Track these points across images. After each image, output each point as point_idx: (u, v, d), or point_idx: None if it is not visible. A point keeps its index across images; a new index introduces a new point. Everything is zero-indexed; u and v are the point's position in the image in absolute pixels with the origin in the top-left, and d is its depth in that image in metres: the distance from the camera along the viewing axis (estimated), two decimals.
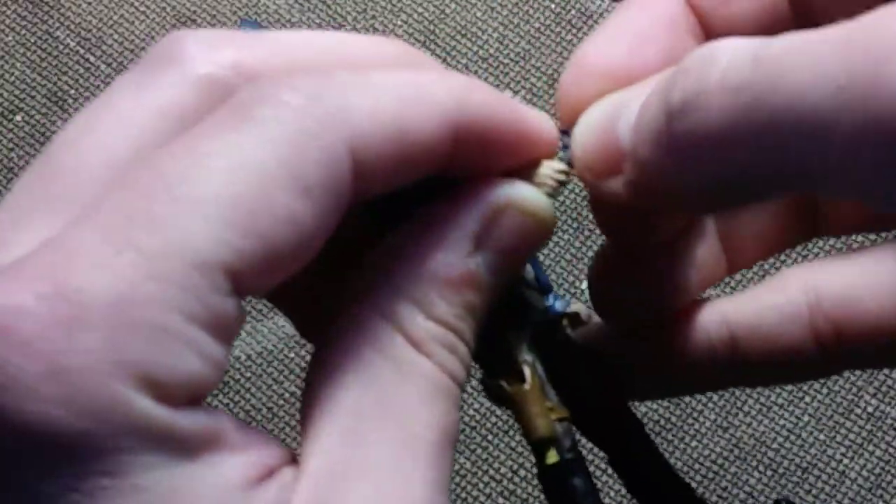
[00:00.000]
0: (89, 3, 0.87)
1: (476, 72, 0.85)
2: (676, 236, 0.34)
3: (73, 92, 0.84)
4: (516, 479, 0.74)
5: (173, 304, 0.23)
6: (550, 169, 0.30)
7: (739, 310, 0.35)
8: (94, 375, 0.22)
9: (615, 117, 0.29)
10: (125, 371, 0.22)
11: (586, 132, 0.30)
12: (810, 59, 0.22)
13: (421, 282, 0.27)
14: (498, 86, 0.85)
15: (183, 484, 0.23)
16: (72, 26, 0.86)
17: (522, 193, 0.29)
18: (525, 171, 0.30)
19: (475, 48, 0.86)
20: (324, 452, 0.25)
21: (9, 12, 0.86)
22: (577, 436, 0.32)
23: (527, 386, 0.31)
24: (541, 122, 0.31)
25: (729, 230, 0.35)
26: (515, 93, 0.85)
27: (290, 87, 0.25)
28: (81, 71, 0.85)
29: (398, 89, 0.26)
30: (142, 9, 0.86)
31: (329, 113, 0.25)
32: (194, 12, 0.87)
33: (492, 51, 0.86)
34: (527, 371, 0.31)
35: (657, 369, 0.36)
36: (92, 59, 0.85)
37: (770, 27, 0.30)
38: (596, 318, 0.35)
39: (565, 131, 0.31)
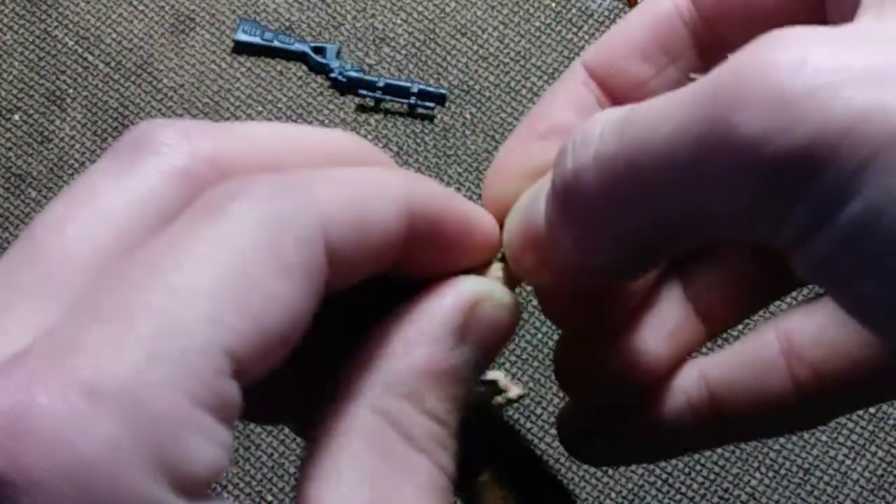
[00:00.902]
0: (87, 2, 0.86)
1: (476, 70, 0.85)
2: (632, 312, 0.35)
3: (71, 91, 0.84)
4: None
5: (180, 390, 0.23)
6: (499, 270, 0.31)
7: (716, 366, 0.35)
8: (111, 472, 0.22)
9: (533, 213, 0.30)
10: (144, 464, 0.22)
11: (511, 233, 0.31)
12: (669, 117, 0.23)
13: (413, 377, 0.28)
14: (498, 84, 0.85)
15: None
16: (70, 25, 0.85)
17: (492, 287, 0.30)
18: (480, 270, 0.31)
19: (475, 47, 0.86)
20: None
21: (7, 11, 0.86)
22: None
23: (484, 477, 0.32)
24: (484, 218, 0.32)
25: (696, 294, 0.35)
26: (516, 92, 0.85)
27: (258, 182, 0.26)
28: (79, 70, 0.84)
29: (356, 181, 0.28)
30: (140, 7, 0.86)
31: (297, 200, 0.26)
32: (193, 11, 0.86)
33: (492, 49, 0.86)
34: (484, 461, 0.33)
35: (637, 437, 0.36)
36: (90, 57, 0.85)
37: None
38: (515, 388, 0.36)
39: None
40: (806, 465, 0.75)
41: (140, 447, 0.22)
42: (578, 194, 0.26)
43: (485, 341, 0.29)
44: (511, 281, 0.31)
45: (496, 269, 0.31)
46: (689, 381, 0.34)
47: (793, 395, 0.33)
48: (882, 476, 0.74)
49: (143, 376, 0.22)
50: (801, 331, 0.33)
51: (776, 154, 0.22)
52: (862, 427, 0.76)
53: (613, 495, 0.74)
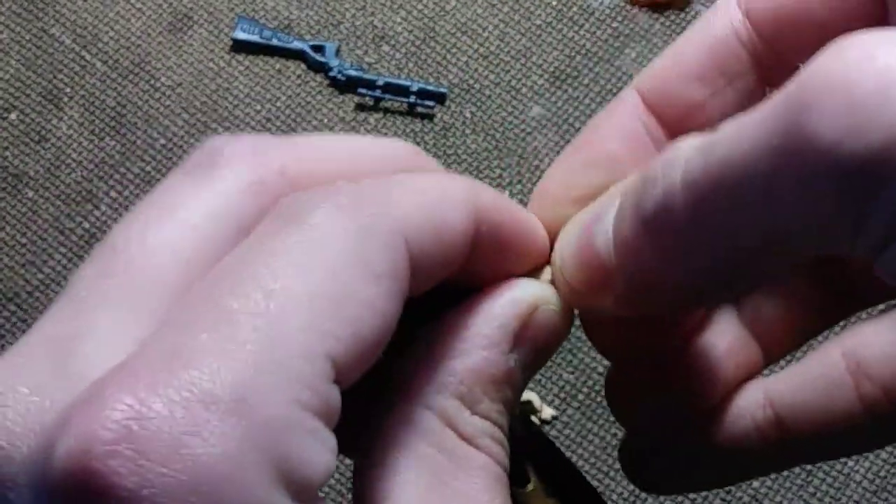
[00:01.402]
0: (85, 0, 0.86)
1: (476, 69, 0.84)
2: (686, 338, 0.34)
3: (68, 90, 0.83)
4: None
5: (291, 396, 0.23)
6: (550, 275, 0.31)
7: (781, 387, 0.34)
8: (234, 478, 0.21)
9: (591, 237, 0.30)
10: (262, 470, 0.22)
11: (566, 257, 0.31)
12: (748, 134, 0.23)
13: (467, 379, 0.28)
14: (499, 83, 0.84)
15: None
16: (67, 23, 0.85)
17: (548, 291, 0.31)
18: (533, 275, 0.31)
19: (476, 45, 0.85)
20: None
21: (3, 9, 0.85)
22: None
23: (530, 487, 0.32)
24: (536, 222, 0.32)
25: (756, 319, 0.35)
26: (517, 90, 0.84)
27: (338, 190, 0.26)
28: (77, 69, 0.84)
29: (429, 188, 0.28)
30: (138, 6, 0.86)
31: (379, 207, 0.26)
32: (191, 9, 0.86)
33: (492, 48, 0.85)
34: (530, 472, 0.32)
35: (701, 463, 0.36)
36: (87, 56, 0.84)
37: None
38: (547, 409, 0.36)
39: None
40: (808, 467, 0.74)
41: (258, 454, 0.22)
42: (667, 220, 0.26)
43: (539, 345, 0.30)
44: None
45: (548, 273, 0.31)
46: (754, 404, 0.34)
47: (862, 414, 0.33)
48: (885, 478, 0.74)
49: (255, 383, 0.22)
50: (869, 348, 0.33)
51: (850, 159, 0.21)
52: None
53: (615, 497, 0.73)
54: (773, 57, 0.31)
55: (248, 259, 0.25)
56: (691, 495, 0.73)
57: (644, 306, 0.30)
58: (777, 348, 0.35)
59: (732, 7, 0.31)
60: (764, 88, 0.30)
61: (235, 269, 0.24)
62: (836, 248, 0.24)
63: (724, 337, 0.35)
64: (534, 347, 0.30)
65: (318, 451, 0.23)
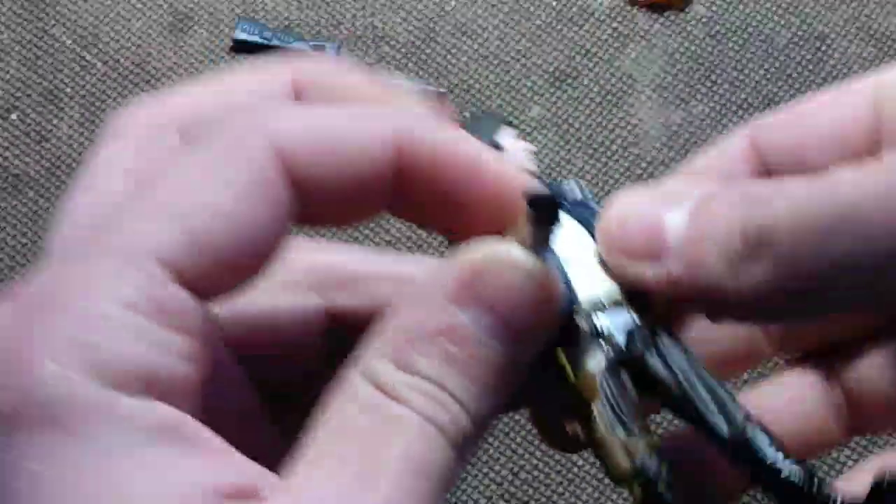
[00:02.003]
0: (85, 1, 0.86)
1: (476, 70, 0.84)
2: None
3: (68, 90, 0.83)
4: (517, 482, 0.73)
5: (114, 297, 0.25)
6: (526, 231, 0.29)
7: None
8: (45, 369, 0.24)
9: (660, 209, 0.30)
10: (75, 361, 0.24)
11: (625, 214, 0.31)
12: (875, 195, 0.26)
13: (400, 341, 0.28)
14: (499, 84, 0.84)
15: (117, 461, 0.24)
16: (67, 24, 0.85)
17: (506, 249, 0.29)
18: (507, 232, 0.30)
19: (476, 46, 0.85)
20: (291, 490, 0.26)
21: (4, 9, 0.85)
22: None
23: (600, 425, 0.30)
24: (503, 167, 0.31)
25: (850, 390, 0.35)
26: (517, 91, 0.84)
27: (219, 118, 0.29)
28: (77, 69, 0.84)
29: (324, 112, 0.29)
30: (138, 6, 0.86)
31: (253, 121, 0.28)
32: (191, 9, 0.86)
33: (492, 48, 0.85)
34: (595, 409, 0.30)
35: None
36: (88, 56, 0.84)
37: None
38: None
39: (534, 198, 0.29)
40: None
41: (59, 340, 0.25)
42: (769, 245, 0.28)
43: (498, 308, 0.29)
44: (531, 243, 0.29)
45: (522, 231, 0.29)
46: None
47: None
48: None
49: (74, 281, 0.26)
50: None
51: None
52: None
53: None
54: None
55: (132, 189, 0.28)
56: None
57: (692, 297, 0.30)
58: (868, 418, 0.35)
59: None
60: None
61: (124, 195, 0.28)
62: None
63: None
64: (489, 309, 0.28)
65: (132, 345, 0.25)
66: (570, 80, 0.84)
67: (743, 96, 0.84)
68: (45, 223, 0.80)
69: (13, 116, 0.82)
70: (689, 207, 0.30)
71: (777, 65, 0.85)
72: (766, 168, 0.33)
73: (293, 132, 0.28)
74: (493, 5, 0.87)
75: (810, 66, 0.85)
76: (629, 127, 0.83)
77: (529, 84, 0.84)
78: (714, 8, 0.87)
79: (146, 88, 0.83)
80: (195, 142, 0.28)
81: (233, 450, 0.26)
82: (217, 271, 0.27)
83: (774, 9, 0.87)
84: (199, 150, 0.28)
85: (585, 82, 0.84)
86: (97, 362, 0.24)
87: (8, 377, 0.24)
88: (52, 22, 0.85)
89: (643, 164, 0.82)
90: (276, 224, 0.28)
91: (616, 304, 0.31)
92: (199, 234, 0.27)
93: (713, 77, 0.85)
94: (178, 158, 0.28)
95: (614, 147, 0.83)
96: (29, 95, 0.83)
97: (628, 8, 0.87)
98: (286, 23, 0.86)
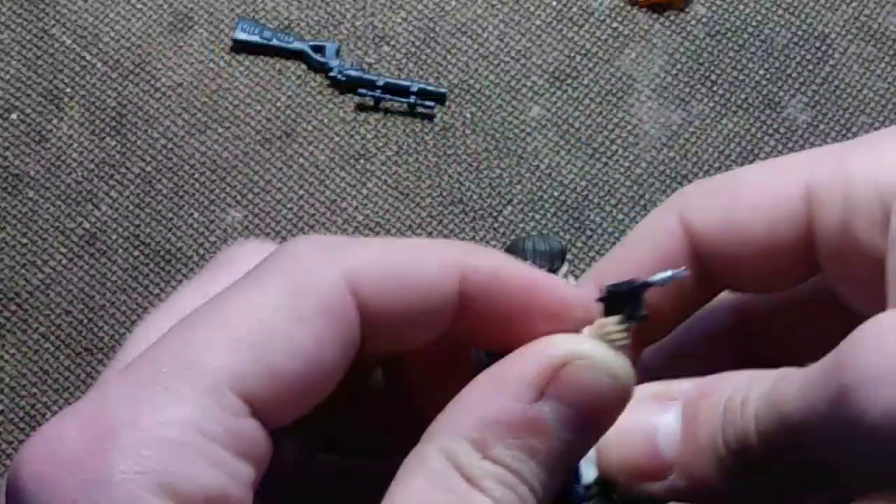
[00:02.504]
0: (85, 1, 0.86)
1: (476, 69, 0.84)
2: None
3: (68, 90, 0.83)
4: None
5: (190, 424, 0.26)
6: (612, 324, 0.31)
7: None
8: (118, 485, 0.25)
9: (651, 430, 0.32)
10: (146, 480, 0.26)
11: (623, 439, 0.33)
12: (805, 400, 0.28)
13: (480, 425, 0.30)
14: (499, 84, 0.84)
15: None
16: (68, 24, 0.85)
17: (588, 347, 0.31)
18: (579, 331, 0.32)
19: (475, 45, 0.85)
20: None
21: (4, 10, 0.85)
22: None
23: None
24: (555, 283, 0.33)
25: None
26: (517, 91, 0.84)
27: (295, 245, 0.30)
28: (77, 69, 0.84)
29: (396, 245, 0.31)
30: (138, 6, 0.86)
31: (328, 254, 0.30)
32: (191, 10, 0.86)
33: (492, 48, 0.85)
34: None
35: None
36: (88, 56, 0.84)
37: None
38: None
39: (614, 291, 0.32)
40: None
41: (142, 466, 0.26)
42: (744, 453, 0.30)
43: (576, 402, 0.30)
44: (620, 338, 0.31)
45: (589, 331, 0.31)
46: None
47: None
48: None
49: (158, 412, 0.27)
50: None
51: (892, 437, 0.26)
52: None
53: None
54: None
55: (196, 313, 0.29)
56: None
57: (692, 499, 0.33)
58: None
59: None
60: None
61: (183, 321, 0.29)
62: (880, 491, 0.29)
63: None
64: (568, 402, 0.30)
65: (208, 471, 0.26)
66: (570, 80, 0.84)
67: (743, 96, 0.84)
68: (45, 223, 0.80)
69: (13, 116, 0.82)
70: (677, 413, 0.32)
71: (777, 65, 0.85)
72: (695, 244, 0.35)
73: (364, 265, 0.30)
74: (493, 5, 0.87)
75: (810, 66, 0.85)
76: (629, 127, 0.83)
77: (529, 84, 0.84)
78: (714, 8, 0.87)
79: (146, 88, 0.83)
80: (279, 262, 0.29)
81: None
82: (288, 402, 0.29)
83: (774, 9, 0.87)
84: (279, 275, 0.29)
85: (585, 82, 0.84)
86: (166, 483, 0.26)
87: (81, 490, 0.25)
88: (53, 22, 0.85)
89: (643, 164, 0.82)
90: (345, 354, 0.29)
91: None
92: (274, 367, 0.28)
93: (713, 77, 0.85)
94: (263, 280, 0.29)
95: (614, 147, 0.83)
96: (29, 95, 0.83)
97: (628, 8, 0.87)
98: (286, 23, 0.85)
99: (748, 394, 0.30)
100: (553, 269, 0.37)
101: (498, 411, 0.30)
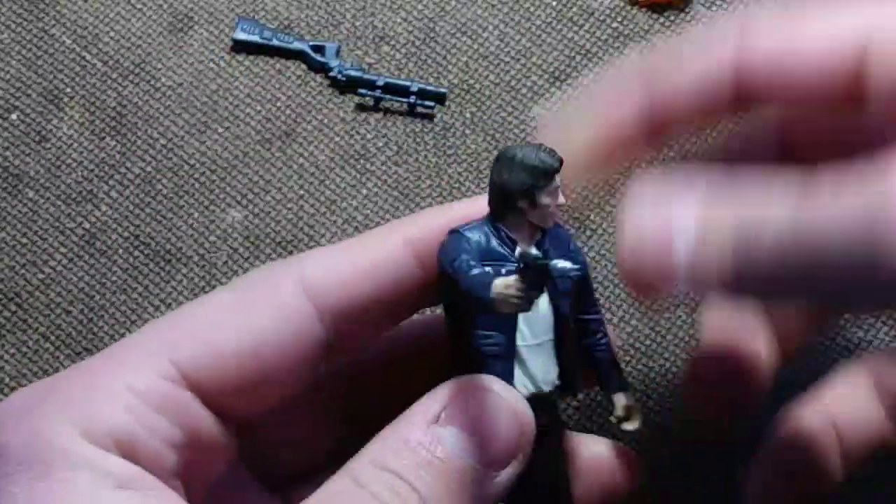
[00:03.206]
0: (85, 1, 0.86)
1: (476, 69, 0.84)
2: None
3: (68, 90, 0.83)
4: None
5: (122, 379, 0.33)
6: (514, 285, 0.34)
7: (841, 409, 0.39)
8: (36, 415, 0.32)
9: (668, 245, 0.35)
10: (64, 414, 0.32)
11: (637, 238, 0.36)
12: (835, 224, 0.29)
13: (381, 443, 0.35)
14: (499, 83, 0.84)
15: (85, 495, 0.31)
16: (68, 24, 0.85)
17: (483, 379, 0.36)
18: None
19: (475, 45, 0.85)
20: None
21: (4, 10, 0.85)
22: None
23: None
24: None
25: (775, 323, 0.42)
26: (517, 91, 0.84)
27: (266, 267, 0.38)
28: (77, 69, 0.84)
29: (348, 240, 0.37)
30: (138, 6, 0.86)
31: (280, 265, 0.35)
32: (191, 9, 0.86)
33: (492, 48, 0.85)
34: None
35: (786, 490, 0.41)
36: (88, 56, 0.84)
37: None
38: (633, 423, 0.41)
39: (525, 260, 0.35)
40: None
41: (63, 407, 0.32)
42: (753, 267, 0.32)
43: (472, 427, 0.34)
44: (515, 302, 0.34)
45: (503, 284, 0.34)
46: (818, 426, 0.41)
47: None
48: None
49: (101, 365, 0.33)
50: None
51: None
52: None
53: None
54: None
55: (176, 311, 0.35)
56: (699, 493, 0.73)
57: (703, 294, 0.36)
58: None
59: None
60: None
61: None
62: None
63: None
64: (464, 426, 0.34)
65: (118, 416, 0.32)
66: (570, 80, 0.84)
67: None
68: (45, 223, 0.80)
69: (13, 116, 0.82)
70: (694, 215, 0.34)
71: None
72: (749, 64, 0.37)
73: (311, 267, 0.35)
74: (493, 5, 0.87)
75: None
76: None
77: (529, 84, 0.84)
78: (714, 8, 0.87)
79: (146, 88, 0.83)
80: (222, 288, 0.35)
81: None
82: (235, 381, 0.33)
83: (774, 9, 0.87)
84: (230, 285, 0.35)
85: (586, 82, 0.84)
86: (87, 424, 0.31)
87: (18, 426, 0.32)
88: (53, 22, 0.85)
89: (643, 164, 0.82)
90: (302, 343, 0.35)
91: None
92: (217, 349, 0.33)
93: None
94: (214, 293, 0.35)
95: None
96: (29, 95, 0.83)
97: (628, 8, 0.87)
98: (286, 23, 0.85)
99: (765, 215, 0.32)
100: (537, 187, 0.38)
101: (395, 430, 0.34)
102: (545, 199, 0.39)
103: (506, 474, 0.35)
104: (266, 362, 0.33)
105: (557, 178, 0.39)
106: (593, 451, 0.40)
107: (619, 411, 0.40)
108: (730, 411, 0.40)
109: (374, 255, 0.35)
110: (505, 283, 0.33)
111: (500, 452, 0.35)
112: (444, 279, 0.35)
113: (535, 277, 0.33)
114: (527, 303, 0.33)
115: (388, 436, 0.34)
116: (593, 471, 0.40)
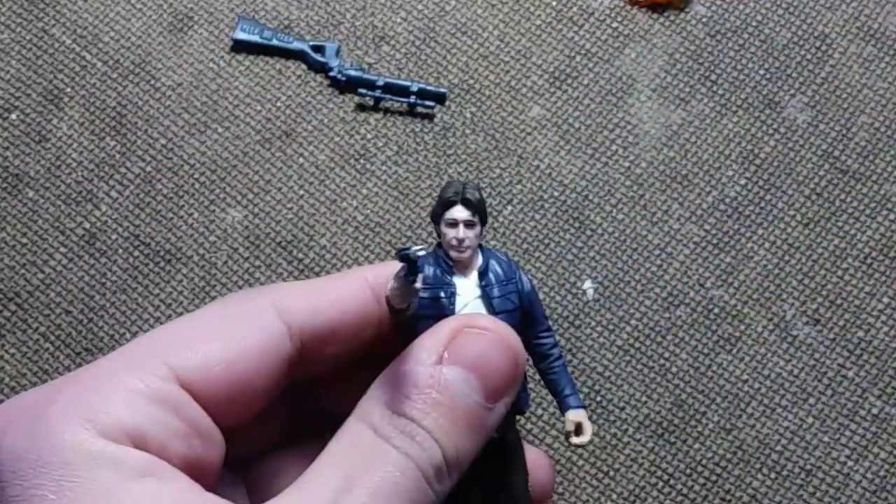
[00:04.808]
0: (85, 1, 0.86)
1: (476, 69, 0.84)
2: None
3: (68, 90, 0.83)
4: None
5: (120, 378, 0.35)
6: (393, 278, 0.39)
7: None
8: (48, 418, 0.33)
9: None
10: (75, 413, 0.34)
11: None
12: None
13: (389, 386, 0.37)
14: (499, 84, 0.84)
15: (114, 488, 0.33)
16: (67, 24, 0.85)
17: (478, 319, 0.39)
18: None
19: (475, 45, 0.85)
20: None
21: (4, 10, 0.85)
22: None
23: None
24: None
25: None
26: (517, 90, 0.84)
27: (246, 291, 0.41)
28: (77, 69, 0.84)
29: (316, 281, 0.40)
30: (138, 6, 0.86)
31: (257, 290, 0.39)
32: (191, 9, 0.86)
33: (492, 48, 0.85)
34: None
35: None
36: (88, 56, 0.84)
37: None
38: (586, 435, 0.45)
39: (397, 254, 0.39)
40: (808, 467, 0.74)
41: (74, 404, 0.34)
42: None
43: (473, 365, 0.37)
44: None
45: (390, 281, 0.39)
46: None
47: None
48: (885, 478, 0.74)
49: (107, 368, 0.36)
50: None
51: None
52: (865, 429, 0.75)
53: (615, 496, 0.73)
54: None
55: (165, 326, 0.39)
56: (690, 494, 0.73)
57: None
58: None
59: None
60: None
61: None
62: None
63: None
64: (466, 366, 0.37)
65: (123, 406, 0.34)
66: (570, 80, 0.84)
67: (743, 96, 0.84)
68: (45, 223, 0.80)
69: (13, 116, 0.82)
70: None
71: (777, 65, 0.85)
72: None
73: (289, 291, 0.38)
74: (493, 5, 0.87)
75: (810, 66, 0.85)
76: (629, 127, 0.83)
77: (529, 84, 0.84)
78: (714, 8, 0.87)
79: (146, 88, 0.83)
80: (205, 308, 0.38)
81: (204, 490, 0.34)
82: (223, 387, 0.36)
83: (774, 9, 0.87)
84: (216, 303, 0.38)
85: (585, 82, 0.84)
86: (98, 421, 0.33)
87: (32, 430, 0.33)
88: (53, 22, 0.85)
89: (643, 164, 0.82)
90: (277, 356, 0.37)
91: None
92: (208, 357, 0.36)
93: (713, 77, 0.85)
94: (202, 309, 0.38)
95: (614, 147, 0.83)
96: (29, 95, 0.83)
97: (628, 8, 0.87)
98: (286, 23, 0.85)
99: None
100: (439, 216, 0.44)
101: (403, 373, 0.36)
102: (443, 229, 0.42)
103: (503, 404, 0.38)
104: (248, 369, 0.36)
105: (462, 212, 0.42)
106: (531, 458, 0.44)
107: (568, 426, 0.45)
108: None
109: (338, 287, 0.39)
110: (390, 282, 0.39)
111: (500, 385, 0.38)
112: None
113: (406, 270, 0.37)
114: (407, 293, 0.38)
115: (397, 378, 0.37)
116: (538, 477, 0.44)
